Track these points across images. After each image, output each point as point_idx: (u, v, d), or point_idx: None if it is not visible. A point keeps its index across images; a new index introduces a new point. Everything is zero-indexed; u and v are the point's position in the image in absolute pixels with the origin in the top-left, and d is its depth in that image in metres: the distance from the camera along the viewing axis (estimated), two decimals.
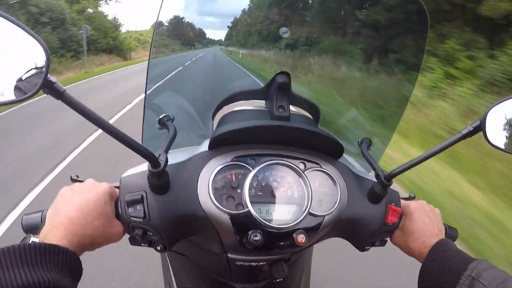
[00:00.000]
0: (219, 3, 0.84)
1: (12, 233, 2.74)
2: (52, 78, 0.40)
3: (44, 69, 0.40)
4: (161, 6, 0.67)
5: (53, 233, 0.46)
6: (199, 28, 0.85)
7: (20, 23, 0.39)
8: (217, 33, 0.86)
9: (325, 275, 2.13)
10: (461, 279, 0.50)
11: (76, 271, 0.44)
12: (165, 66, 0.85)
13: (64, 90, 0.41)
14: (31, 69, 0.40)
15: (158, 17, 0.68)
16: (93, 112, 0.43)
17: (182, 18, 0.83)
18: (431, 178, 3.89)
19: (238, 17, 0.87)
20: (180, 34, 0.87)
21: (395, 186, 0.66)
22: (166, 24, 0.80)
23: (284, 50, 0.96)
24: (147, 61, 0.70)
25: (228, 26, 0.88)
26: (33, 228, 0.53)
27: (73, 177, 0.61)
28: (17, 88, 0.40)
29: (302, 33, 0.91)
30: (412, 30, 0.78)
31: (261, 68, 1.02)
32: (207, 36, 0.86)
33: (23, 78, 0.40)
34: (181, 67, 0.93)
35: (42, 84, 0.39)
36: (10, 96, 0.40)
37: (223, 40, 0.90)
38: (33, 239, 0.45)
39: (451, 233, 0.70)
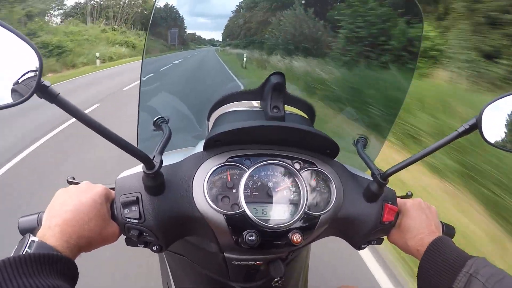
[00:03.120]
0: (212, 3, 0.83)
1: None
2: (46, 82, 0.40)
3: (37, 73, 0.40)
4: (153, 8, 0.68)
5: (49, 235, 0.46)
6: (192, 29, 0.84)
7: (12, 28, 0.40)
8: (210, 34, 0.85)
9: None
10: (459, 276, 0.50)
11: (72, 276, 0.44)
12: (158, 68, 0.85)
13: (58, 94, 0.41)
14: (25, 74, 0.40)
15: (151, 18, 0.68)
16: (87, 115, 0.43)
17: (175, 18, 0.83)
18: None
19: (232, 18, 0.86)
20: (173, 36, 0.86)
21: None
22: (158, 25, 0.79)
23: (278, 52, 0.94)
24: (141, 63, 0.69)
25: (224, 26, 0.87)
26: (30, 231, 0.53)
27: (69, 180, 0.61)
28: (12, 92, 0.41)
29: (299, 34, 0.90)
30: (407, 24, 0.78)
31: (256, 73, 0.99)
32: (201, 37, 0.85)
33: (18, 82, 0.40)
34: (172, 64, 0.92)
35: (35, 88, 0.39)
36: (7, 99, 0.41)
37: (216, 41, 0.89)
38: (33, 238, 0.45)
39: (448, 231, 0.70)
